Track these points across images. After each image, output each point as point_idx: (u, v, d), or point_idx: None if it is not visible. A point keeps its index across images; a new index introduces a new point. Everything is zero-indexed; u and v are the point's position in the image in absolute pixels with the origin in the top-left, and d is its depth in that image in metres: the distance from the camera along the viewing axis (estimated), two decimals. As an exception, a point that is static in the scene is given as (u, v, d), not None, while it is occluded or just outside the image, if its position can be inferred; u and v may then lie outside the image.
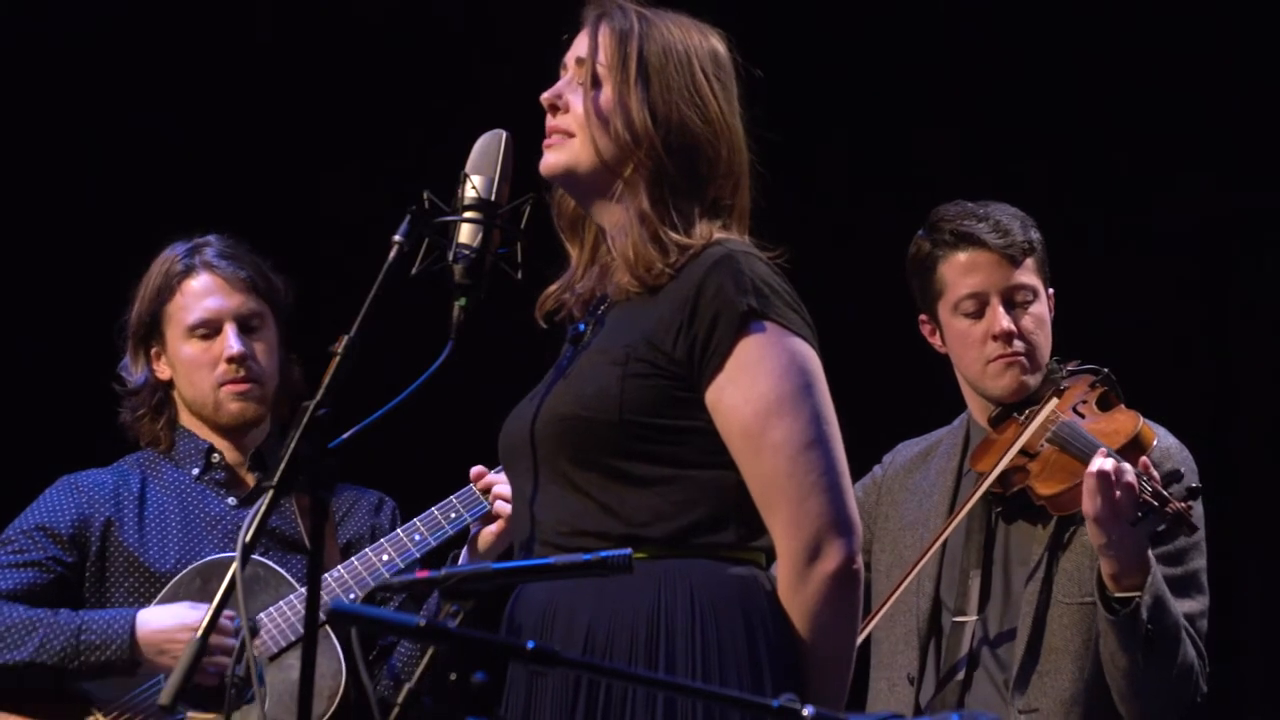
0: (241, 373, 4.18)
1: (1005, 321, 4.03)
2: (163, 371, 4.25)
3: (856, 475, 3.95)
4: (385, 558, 4.06)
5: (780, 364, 3.07)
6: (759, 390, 3.06)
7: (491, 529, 3.96)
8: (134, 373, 4.26)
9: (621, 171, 3.19)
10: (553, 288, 3.31)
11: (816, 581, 3.04)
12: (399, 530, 4.08)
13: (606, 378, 3.10)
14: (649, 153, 3.17)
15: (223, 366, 4.18)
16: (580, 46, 3.25)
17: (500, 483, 3.94)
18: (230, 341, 4.18)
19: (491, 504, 3.97)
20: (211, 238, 4.26)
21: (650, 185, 3.18)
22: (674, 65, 3.21)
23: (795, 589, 3.05)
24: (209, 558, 4.13)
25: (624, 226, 3.19)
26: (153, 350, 4.25)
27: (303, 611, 3.99)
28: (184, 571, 4.11)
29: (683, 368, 3.09)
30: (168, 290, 4.22)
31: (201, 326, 4.20)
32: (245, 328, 4.21)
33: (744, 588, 3.08)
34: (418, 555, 4.06)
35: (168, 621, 4.02)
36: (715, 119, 3.21)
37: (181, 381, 4.23)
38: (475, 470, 3.99)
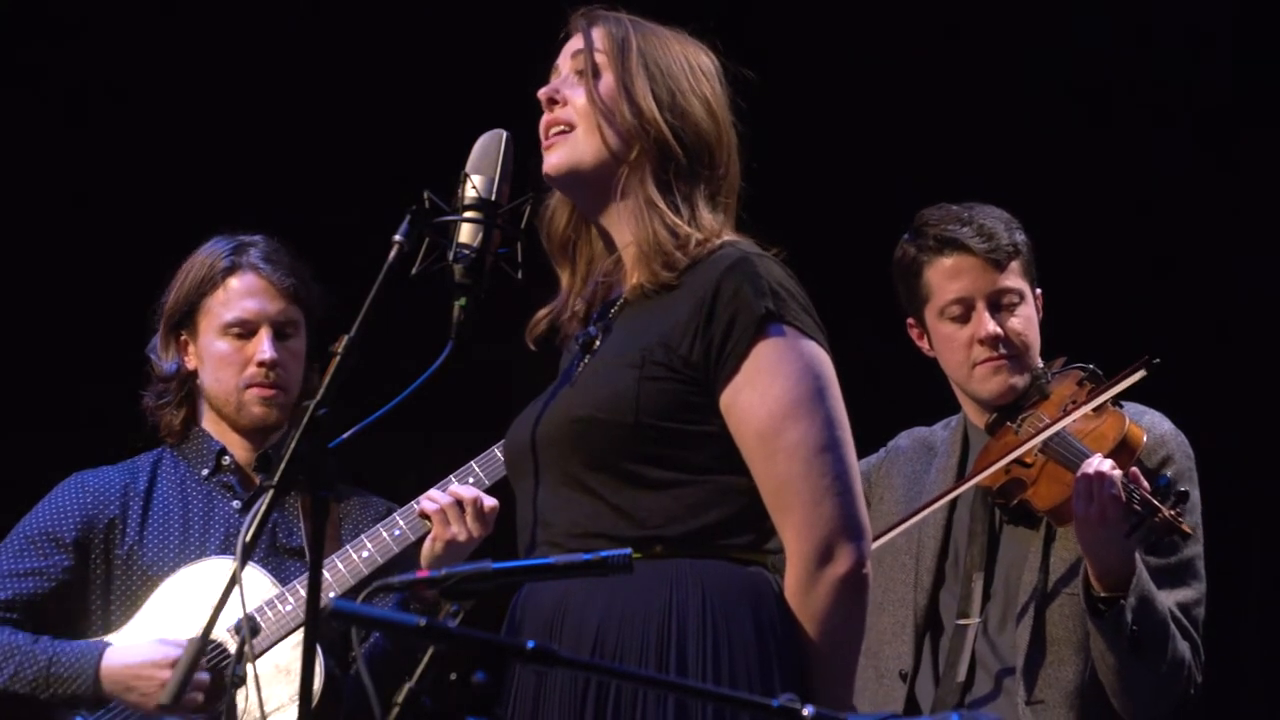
0: (270, 378, 4.19)
1: (990, 325, 4.04)
2: (190, 361, 4.25)
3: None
4: (365, 554, 4.05)
5: (797, 367, 3.07)
6: (775, 393, 3.05)
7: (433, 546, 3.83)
8: (163, 358, 4.26)
9: (626, 156, 3.17)
10: (543, 312, 3.30)
11: (826, 585, 3.04)
12: (379, 526, 4.06)
13: (623, 380, 3.09)
14: (656, 136, 3.16)
15: (252, 369, 4.19)
16: (574, 45, 3.24)
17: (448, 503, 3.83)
18: (264, 347, 4.18)
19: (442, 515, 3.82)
20: (258, 237, 4.27)
21: (656, 170, 3.16)
22: (674, 62, 3.21)
23: (805, 591, 3.05)
24: (203, 560, 4.13)
25: (635, 214, 3.16)
26: (183, 338, 4.25)
27: (285, 614, 4.01)
28: (176, 574, 4.10)
29: (698, 370, 3.08)
30: (210, 283, 4.22)
31: (238, 326, 4.20)
32: (280, 334, 4.21)
33: (754, 588, 3.07)
34: (397, 550, 4.05)
35: (133, 658, 4.00)
36: (719, 116, 3.21)
37: (207, 375, 4.23)
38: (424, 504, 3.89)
